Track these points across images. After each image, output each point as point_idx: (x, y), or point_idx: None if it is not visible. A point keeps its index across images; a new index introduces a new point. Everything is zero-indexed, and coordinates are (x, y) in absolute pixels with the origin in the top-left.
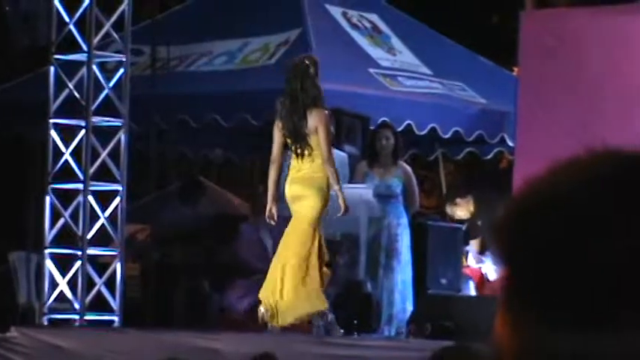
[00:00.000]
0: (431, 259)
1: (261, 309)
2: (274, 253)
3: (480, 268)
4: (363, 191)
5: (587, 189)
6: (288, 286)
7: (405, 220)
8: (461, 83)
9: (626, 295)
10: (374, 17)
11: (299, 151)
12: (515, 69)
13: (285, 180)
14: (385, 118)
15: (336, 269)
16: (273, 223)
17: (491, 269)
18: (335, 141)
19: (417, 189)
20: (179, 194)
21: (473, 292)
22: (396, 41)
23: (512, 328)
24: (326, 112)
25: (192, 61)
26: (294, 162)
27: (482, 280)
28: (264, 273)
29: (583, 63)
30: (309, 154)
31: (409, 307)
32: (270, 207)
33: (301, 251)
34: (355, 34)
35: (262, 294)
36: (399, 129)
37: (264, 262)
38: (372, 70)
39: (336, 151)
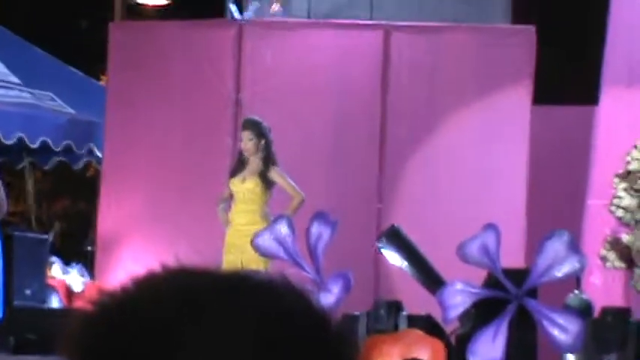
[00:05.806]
0: (16, 270)
1: None
2: None
3: (65, 279)
4: None
5: (154, 303)
6: None
7: None
8: (50, 93)
9: None
10: None
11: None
12: (104, 78)
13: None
14: None
15: None
16: None
17: (76, 280)
18: None
19: (5, 196)
20: None
21: (57, 303)
22: None
23: None
24: None
25: None
26: None
27: (67, 292)
28: None
29: (171, 75)
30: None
31: None
32: None
33: None
34: None
35: None
36: None
37: None
38: None
39: None
